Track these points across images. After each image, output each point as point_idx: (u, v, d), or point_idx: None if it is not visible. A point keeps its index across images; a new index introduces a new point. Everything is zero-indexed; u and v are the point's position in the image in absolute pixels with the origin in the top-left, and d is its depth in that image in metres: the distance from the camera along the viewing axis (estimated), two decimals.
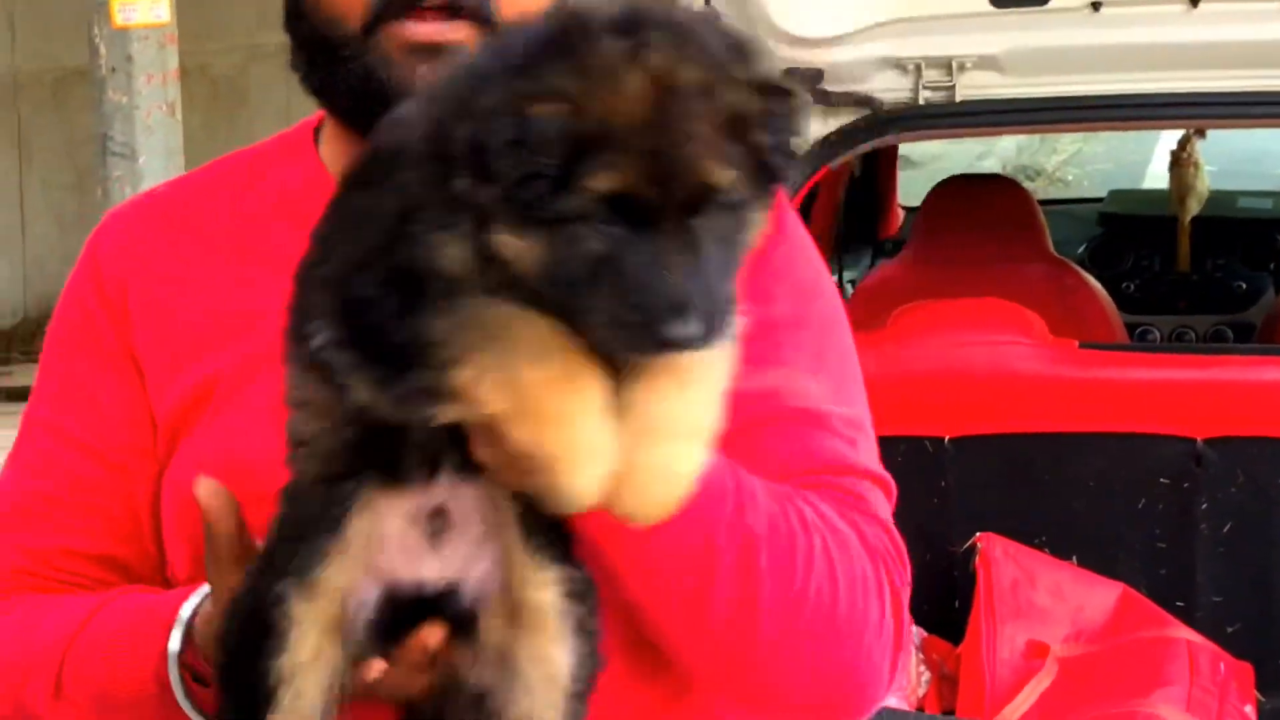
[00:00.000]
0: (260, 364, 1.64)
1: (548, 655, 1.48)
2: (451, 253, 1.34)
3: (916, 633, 4.15)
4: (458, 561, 1.48)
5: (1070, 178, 10.35)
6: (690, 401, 1.40)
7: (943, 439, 4.25)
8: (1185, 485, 4.17)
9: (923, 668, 4.13)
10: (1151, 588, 4.12)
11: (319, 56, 1.69)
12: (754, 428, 1.64)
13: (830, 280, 1.85)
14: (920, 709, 3.99)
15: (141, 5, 7.03)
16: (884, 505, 1.72)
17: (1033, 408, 4.20)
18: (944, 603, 4.23)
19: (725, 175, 1.31)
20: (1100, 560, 4.18)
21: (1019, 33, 3.97)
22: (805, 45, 3.97)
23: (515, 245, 1.32)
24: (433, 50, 1.62)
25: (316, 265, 1.46)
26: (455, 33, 1.63)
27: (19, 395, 10.42)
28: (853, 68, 4.02)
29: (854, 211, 5.98)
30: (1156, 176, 8.87)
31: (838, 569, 1.59)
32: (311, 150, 1.83)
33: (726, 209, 1.33)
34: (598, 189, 1.29)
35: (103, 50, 7.13)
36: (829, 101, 4.02)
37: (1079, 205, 6.95)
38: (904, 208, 6.40)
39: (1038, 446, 4.23)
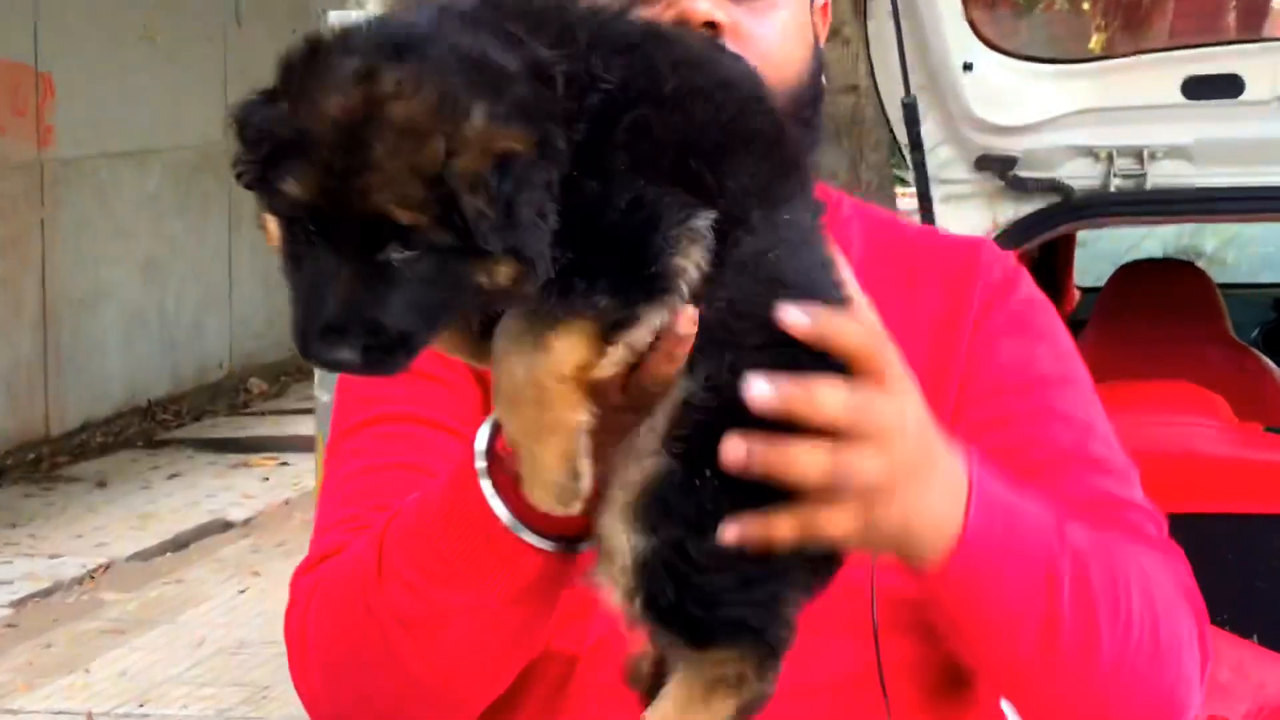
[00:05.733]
0: None
1: None
2: None
3: None
4: None
5: (1229, 259, 10.27)
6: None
7: None
8: None
9: None
10: None
11: None
12: (1036, 470, 1.75)
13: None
14: None
15: None
16: (1161, 534, 1.80)
17: (1219, 489, 4.20)
18: None
19: (404, 215, 1.27)
20: None
21: (1209, 124, 4.00)
22: (1001, 133, 4.04)
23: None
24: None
25: None
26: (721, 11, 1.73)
27: (224, 446, 10.72)
28: (1046, 155, 4.06)
29: None
30: None
31: (1152, 586, 1.65)
32: None
33: (427, 250, 1.29)
34: (287, 192, 1.30)
35: None
36: (1023, 187, 4.07)
37: (1251, 290, 6.98)
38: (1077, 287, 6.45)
39: (1222, 526, 4.22)
